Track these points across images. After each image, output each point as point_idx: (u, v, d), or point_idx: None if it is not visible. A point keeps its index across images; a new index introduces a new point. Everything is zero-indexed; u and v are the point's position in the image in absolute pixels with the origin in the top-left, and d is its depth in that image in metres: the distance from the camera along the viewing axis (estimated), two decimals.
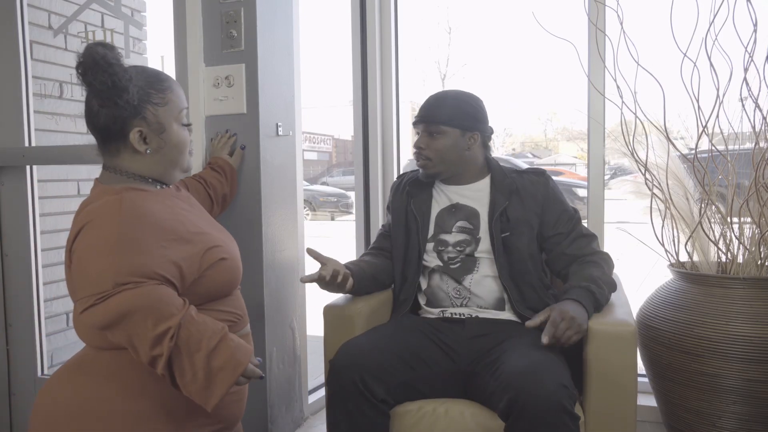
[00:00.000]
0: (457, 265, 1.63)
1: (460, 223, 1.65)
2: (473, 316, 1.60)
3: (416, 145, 1.66)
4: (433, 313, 1.64)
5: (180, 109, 1.23)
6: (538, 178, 1.67)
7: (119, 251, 1.06)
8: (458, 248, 1.63)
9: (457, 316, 1.61)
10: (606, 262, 1.59)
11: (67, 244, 1.14)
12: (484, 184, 1.68)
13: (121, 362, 1.13)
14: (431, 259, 1.66)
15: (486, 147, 1.71)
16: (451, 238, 1.64)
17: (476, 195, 1.67)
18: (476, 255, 1.62)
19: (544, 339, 1.31)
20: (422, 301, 1.68)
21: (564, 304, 1.41)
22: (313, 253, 1.57)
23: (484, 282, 1.61)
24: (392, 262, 1.73)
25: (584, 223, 1.71)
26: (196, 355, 1.06)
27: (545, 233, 1.62)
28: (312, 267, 1.65)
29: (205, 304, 1.19)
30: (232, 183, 1.73)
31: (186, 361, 1.06)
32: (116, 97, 1.13)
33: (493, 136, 1.75)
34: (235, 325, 1.27)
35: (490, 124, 1.72)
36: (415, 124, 1.69)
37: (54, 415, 1.12)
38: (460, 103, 1.65)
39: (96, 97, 1.14)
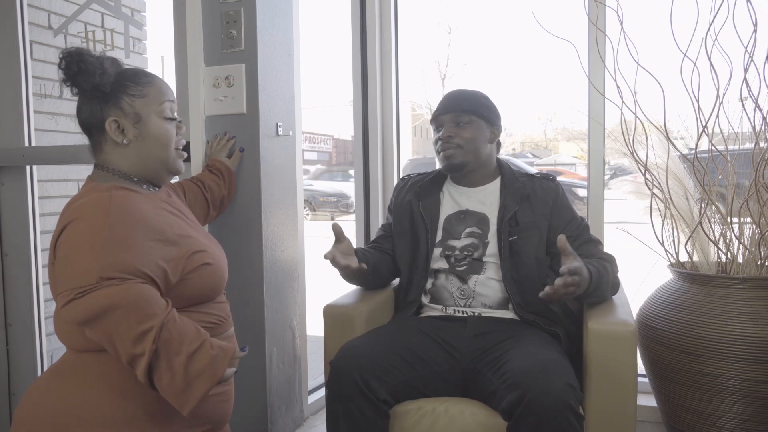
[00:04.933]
0: (464, 267, 1.62)
1: (469, 229, 1.65)
2: (476, 314, 1.60)
3: (444, 136, 1.64)
4: (437, 309, 1.65)
5: (160, 101, 1.23)
6: (549, 183, 1.68)
7: (106, 246, 1.05)
8: (466, 252, 1.63)
9: (460, 314, 1.61)
10: (611, 263, 1.60)
11: (51, 240, 1.13)
12: (495, 186, 1.69)
13: (103, 365, 1.12)
14: (438, 263, 1.66)
15: (498, 147, 1.75)
16: (459, 243, 1.64)
17: (486, 199, 1.68)
18: (484, 260, 1.62)
19: (548, 289, 1.32)
20: (426, 299, 1.68)
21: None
22: (336, 229, 1.56)
23: (488, 283, 1.61)
24: (397, 263, 1.73)
25: None
26: (176, 358, 1.05)
27: (553, 237, 1.61)
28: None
29: (187, 307, 1.19)
30: (230, 185, 1.73)
31: (164, 363, 1.05)
32: (84, 82, 1.16)
33: (507, 139, 1.76)
34: (219, 327, 1.26)
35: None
36: (436, 117, 1.67)
37: (37, 424, 1.10)
38: (481, 97, 1.70)
39: (71, 85, 1.18)
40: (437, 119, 1.68)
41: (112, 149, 1.21)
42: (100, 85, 1.17)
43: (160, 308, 1.06)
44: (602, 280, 1.48)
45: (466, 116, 1.64)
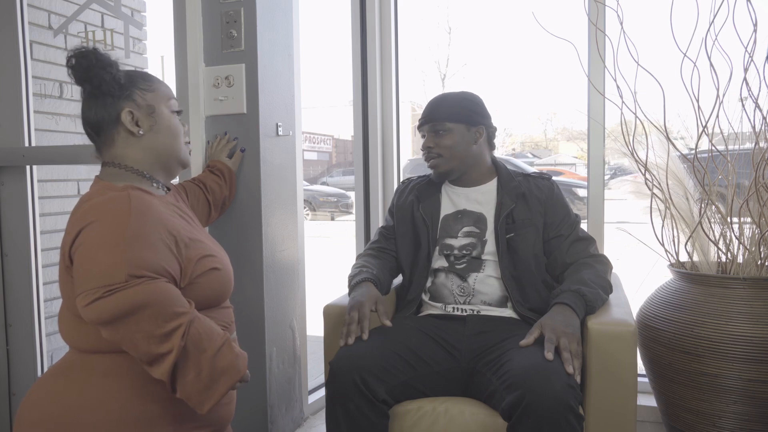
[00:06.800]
0: (463, 265, 1.63)
1: (466, 229, 1.66)
2: (475, 312, 1.60)
3: (424, 146, 1.69)
4: (436, 307, 1.65)
5: (168, 96, 1.28)
6: (545, 182, 1.70)
7: (132, 245, 1.05)
8: (464, 251, 1.64)
9: (459, 313, 1.61)
10: (601, 263, 1.60)
11: (65, 239, 1.12)
12: (492, 186, 1.70)
13: (110, 365, 1.11)
14: (438, 262, 1.67)
15: (491, 145, 1.74)
16: (457, 242, 1.65)
17: (484, 198, 1.69)
18: (483, 258, 1.63)
19: (548, 356, 1.29)
20: (426, 297, 1.69)
21: (553, 315, 1.41)
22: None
23: (488, 281, 1.62)
24: (399, 263, 1.74)
25: (584, 223, 1.72)
26: (203, 355, 1.06)
27: (546, 235, 1.63)
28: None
29: None
30: (231, 186, 1.73)
31: (192, 360, 1.05)
32: (102, 71, 1.17)
33: (495, 133, 1.76)
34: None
35: (493, 123, 1.75)
36: (419, 127, 1.71)
37: (40, 425, 1.09)
38: (460, 100, 1.68)
39: (85, 80, 1.18)
40: (420, 129, 1.72)
41: (125, 142, 1.22)
42: (117, 77, 1.19)
43: (186, 307, 1.07)
44: (594, 293, 1.47)
45: (443, 124, 1.64)
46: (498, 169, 1.73)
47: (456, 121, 1.65)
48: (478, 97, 1.72)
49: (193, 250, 1.17)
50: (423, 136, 1.71)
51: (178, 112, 1.30)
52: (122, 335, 1.03)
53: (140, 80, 1.24)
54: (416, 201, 1.74)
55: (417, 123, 1.73)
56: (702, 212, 1.74)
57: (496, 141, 1.76)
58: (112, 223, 1.07)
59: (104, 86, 1.19)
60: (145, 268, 1.04)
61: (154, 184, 1.26)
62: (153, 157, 1.24)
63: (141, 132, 1.22)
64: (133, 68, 1.31)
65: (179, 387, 1.06)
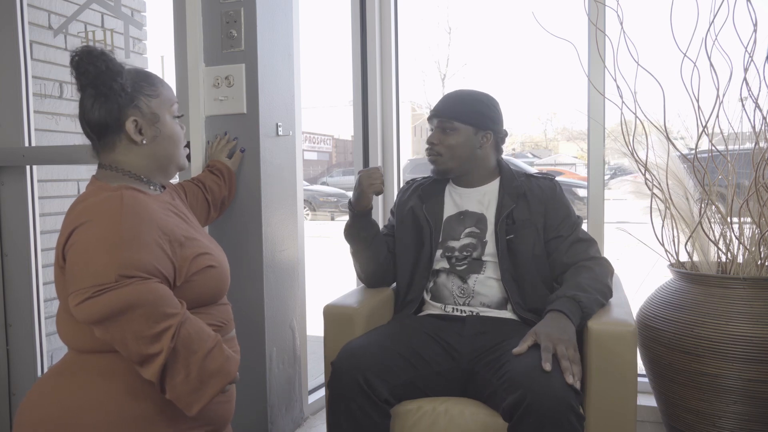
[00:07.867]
0: (464, 266, 1.63)
1: (468, 230, 1.66)
2: (474, 313, 1.60)
3: (429, 141, 1.68)
4: (436, 307, 1.65)
5: (171, 102, 1.26)
6: (547, 182, 1.69)
7: (123, 245, 1.05)
8: (465, 252, 1.63)
9: (459, 313, 1.61)
10: (601, 266, 1.58)
11: (59, 239, 1.12)
12: (494, 186, 1.70)
13: (107, 365, 1.11)
14: (439, 263, 1.67)
15: (498, 149, 1.72)
16: (458, 243, 1.65)
17: (485, 199, 1.68)
18: (483, 259, 1.62)
19: (546, 366, 1.27)
20: (427, 296, 1.69)
21: (547, 323, 1.39)
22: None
23: (488, 282, 1.61)
24: (396, 263, 1.74)
25: (584, 223, 1.71)
26: (193, 357, 1.06)
27: (546, 235, 1.62)
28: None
29: (190, 309, 1.18)
30: (231, 186, 1.73)
31: (181, 361, 1.05)
32: (111, 80, 1.15)
33: (505, 138, 1.74)
34: (220, 330, 1.26)
35: (505, 127, 1.73)
36: (430, 118, 1.71)
37: (39, 426, 1.09)
38: (475, 102, 1.66)
39: (91, 86, 1.16)
40: (430, 121, 1.71)
41: (126, 149, 1.21)
42: (125, 86, 1.17)
43: (177, 308, 1.07)
44: (591, 298, 1.46)
45: (451, 122, 1.64)
46: (501, 169, 1.72)
47: (464, 122, 1.64)
48: (493, 100, 1.70)
49: (189, 249, 1.17)
50: (431, 129, 1.70)
51: (179, 117, 1.30)
52: (113, 335, 1.03)
53: (146, 85, 1.22)
54: (419, 202, 1.73)
55: (418, 122, 1.72)
56: (702, 212, 1.74)
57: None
58: (104, 224, 1.07)
59: (112, 95, 1.17)
60: (137, 269, 1.04)
61: (151, 187, 1.25)
62: (152, 163, 1.24)
63: (144, 142, 1.21)
64: (132, 67, 1.29)
65: (168, 388, 1.06)
